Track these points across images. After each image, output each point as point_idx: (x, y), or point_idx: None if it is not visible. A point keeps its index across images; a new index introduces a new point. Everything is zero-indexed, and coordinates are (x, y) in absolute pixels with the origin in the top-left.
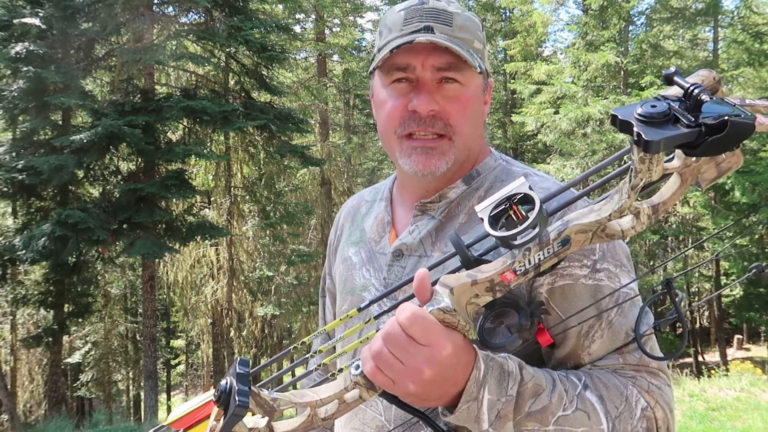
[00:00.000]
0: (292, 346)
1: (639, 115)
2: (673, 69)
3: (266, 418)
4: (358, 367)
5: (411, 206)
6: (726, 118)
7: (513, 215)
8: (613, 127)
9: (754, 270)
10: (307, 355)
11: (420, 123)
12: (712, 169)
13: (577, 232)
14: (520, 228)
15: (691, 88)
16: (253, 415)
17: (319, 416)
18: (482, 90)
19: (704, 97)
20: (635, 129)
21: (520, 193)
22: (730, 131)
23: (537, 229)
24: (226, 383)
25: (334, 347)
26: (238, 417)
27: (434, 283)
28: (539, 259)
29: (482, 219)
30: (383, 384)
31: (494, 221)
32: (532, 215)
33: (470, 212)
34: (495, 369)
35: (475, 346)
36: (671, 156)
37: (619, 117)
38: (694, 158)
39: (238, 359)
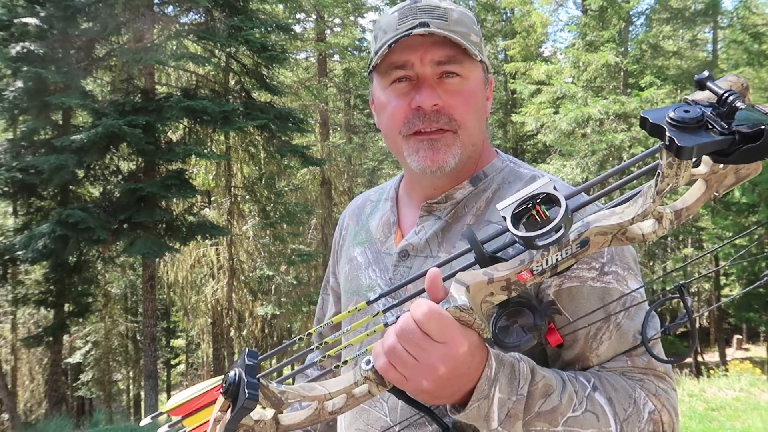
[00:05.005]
0: (297, 337)
1: (671, 119)
2: (706, 74)
3: (272, 411)
4: (369, 362)
5: (417, 206)
6: (762, 127)
7: (535, 215)
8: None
9: (765, 278)
10: (312, 347)
11: (424, 119)
12: (731, 176)
13: (597, 234)
14: (546, 228)
15: (726, 94)
16: (264, 408)
17: (327, 410)
18: (483, 83)
19: (739, 104)
20: (667, 134)
21: (544, 193)
22: (766, 140)
23: (562, 231)
24: (235, 375)
25: (339, 340)
26: (247, 410)
27: (446, 279)
28: (557, 259)
29: (504, 218)
30: (395, 380)
31: (515, 220)
32: (558, 216)
33: (478, 213)
34: (506, 368)
35: (486, 344)
36: (697, 161)
37: (650, 120)
38: (721, 165)
39: (247, 350)
